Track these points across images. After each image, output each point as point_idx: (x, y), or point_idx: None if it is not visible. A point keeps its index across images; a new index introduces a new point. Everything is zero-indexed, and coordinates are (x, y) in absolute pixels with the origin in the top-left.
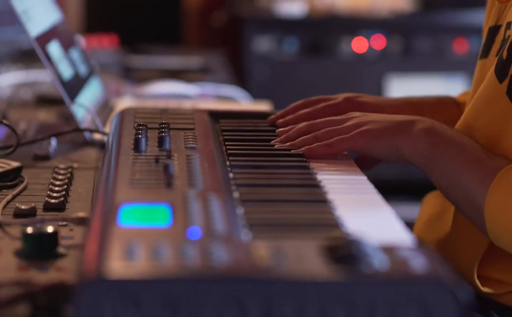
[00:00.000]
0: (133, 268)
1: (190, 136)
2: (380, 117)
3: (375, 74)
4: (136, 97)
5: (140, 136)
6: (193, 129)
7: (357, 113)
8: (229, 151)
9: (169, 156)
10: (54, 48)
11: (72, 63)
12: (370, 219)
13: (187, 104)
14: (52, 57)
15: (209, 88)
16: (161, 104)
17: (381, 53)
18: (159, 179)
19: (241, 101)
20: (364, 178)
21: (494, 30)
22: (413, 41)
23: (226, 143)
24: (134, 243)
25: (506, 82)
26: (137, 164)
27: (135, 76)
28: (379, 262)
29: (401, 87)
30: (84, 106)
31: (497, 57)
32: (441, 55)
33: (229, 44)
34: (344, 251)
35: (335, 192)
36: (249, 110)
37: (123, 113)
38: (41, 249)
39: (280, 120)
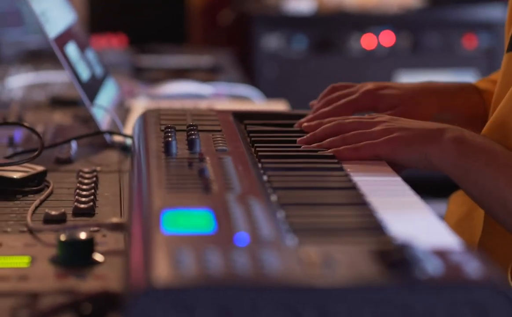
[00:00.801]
0: (184, 277)
1: (219, 138)
2: (410, 124)
3: (384, 70)
4: (151, 98)
5: (170, 139)
6: (220, 130)
7: (386, 117)
8: (259, 153)
9: (201, 159)
10: (72, 50)
11: (89, 64)
12: (413, 222)
13: (203, 104)
14: (70, 58)
15: (223, 87)
16: (176, 104)
17: (390, 50)
18: (195, 183)
19: (255, 100)
20: (399, 179)
21: None
22: (422, 37)
23: (256, 145)
24: (182, 250)
25: None
26: (170, 167)
27: (147, 77)
28: (433, 266)
29: None
30: (103, 107)
31: None
32: (450, 51)
33: (236, 43)
34: (398, 256)
35: (373, 194)
36: (273, 110)
37: (146, 115)
38: (77, 256)
39: (305, 124)
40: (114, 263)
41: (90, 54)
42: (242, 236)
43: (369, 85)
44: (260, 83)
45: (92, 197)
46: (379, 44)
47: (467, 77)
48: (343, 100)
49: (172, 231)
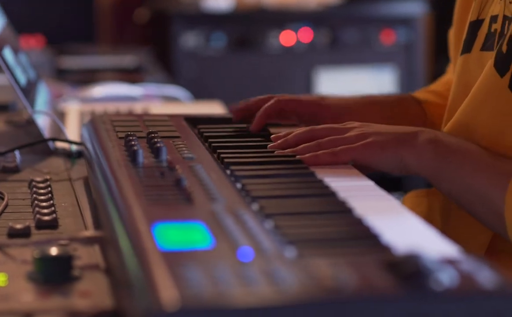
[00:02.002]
0: (199, 297)
1: (181, 145)
2: (382, 129)
3: (303, 67)
4: (82, 101)
5: (135, 147)
6: (179, 137)
7: (356, 123)
8: (225, 160)
9: (172, 168)
10: (8, 54)
11: (24, 68)
12: (403, 229)
13: (138, 107)
14: (8, 63)
15: (152, 88)
16: (111, 107)
17: (308, 46)
18: (174, 194)
19: (184, 101)
20: (372, 183)
21: (476, 25)
22: (341, 33)
23: (218, 151)
24: (189, 268)
25: (508, 76)
26: (142, 177)
27: (70, 78)
28: (447, 277)
29: (330, 80)
30: (45, 112)
31: (496, 51)
32: (368, 47)
33: (153, 42)
34: (412, 268)
35: (353, 200)
36: (225, 115)
37: (95, 121)
38: (58, 272)
39: (252, 127)
40: (94, 278)
41: (23, 58)
42: (246, 251)
43: (314, 97)
44: (180, 82)
45: (52, 208)
46: (297, 41)
47: (386, 72)
48: (287, 95)
49: (169, 247)
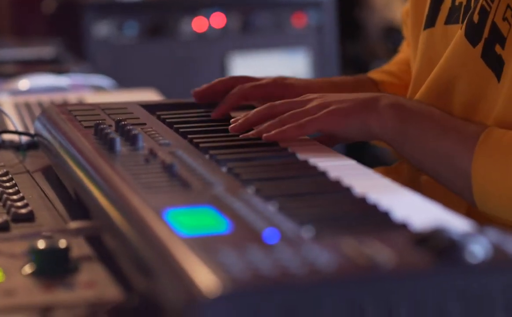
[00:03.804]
0: (241, 280)
1: (152, 132)
2: (342, 97)
3: (216, 52)
4: (12, 94)
5: (111, 135)
6: (145, 124)
7: (314, 95)
8: (200, 145)
9: (154, 154)
10: None
11: None
12: (406, 205)
13: (72, 97)
14: None
15: (79, 78)
16: (45, 98)
17: (221, 31)
18: (168, 180)
19: (111, 89)
20: (355, 162)
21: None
22: (253, 17)
23: (190, 136)
24: (222, 253)
25: (480, 46)
26: (126, 166)
27: None
28: (480, 249)
29: (243, 64)
30: None
31: (466, 21)
32: (280, 31)
33: (64, 32)
34: (444, 242)
35: (345, 179)
36: (180, 101)
37: (50, 112)
38: (57, 265)
39: (214, 113)
40: (92, 269)
41: None
42: (271, 233)
43: (276, 77)
44: (95, 72)
45: (25, 200)
46: (210, 26)
47: (298, 55)
48: (250, 83)
49: (188, 233)
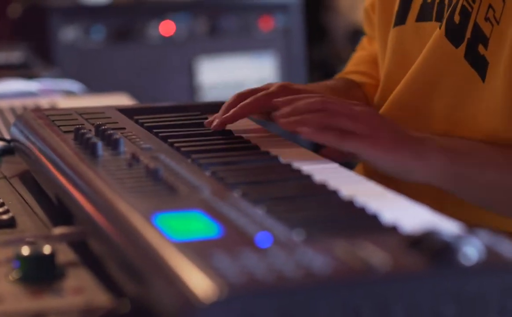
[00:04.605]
0: (236, 285)
1: (132, 137)
2: (394, 127)
3: (183, 56)
4: None
5: (93, 140)
6: (124, 128)
7: (366, 108)
8: (182, 149)
9: (136, 159)
10: None
11: None
12: (393, 207)
13: (44, 102)
14: None
15: (49, 83)
16: (17, 103)
17: (188, 35)
18: (154, 185)
19: (81, 94)
20: (337, 165)
21: None
22: (220, 21)
23: (170, 140)
24: (215, 257)
25: (463, 46)
26: (109, 170)
27: None
28: (474, 251)
29: (211, 68)
30: None
31: (446, 21)
32: (247, 34)
33: (31, 37)
34: (438, 245)
35: (330, 182)
36: (156, 105)
37: (27, 117)
38: (45, 271)
39: (225, 116)
40: (78, 275)
41: None
42: (264, 237)
43: (283, 83)
44: (63, 76)
45: (5, 206)
46: (177, 30)
47: (265, 59)
48: (262, 92)
49: (179, 237)
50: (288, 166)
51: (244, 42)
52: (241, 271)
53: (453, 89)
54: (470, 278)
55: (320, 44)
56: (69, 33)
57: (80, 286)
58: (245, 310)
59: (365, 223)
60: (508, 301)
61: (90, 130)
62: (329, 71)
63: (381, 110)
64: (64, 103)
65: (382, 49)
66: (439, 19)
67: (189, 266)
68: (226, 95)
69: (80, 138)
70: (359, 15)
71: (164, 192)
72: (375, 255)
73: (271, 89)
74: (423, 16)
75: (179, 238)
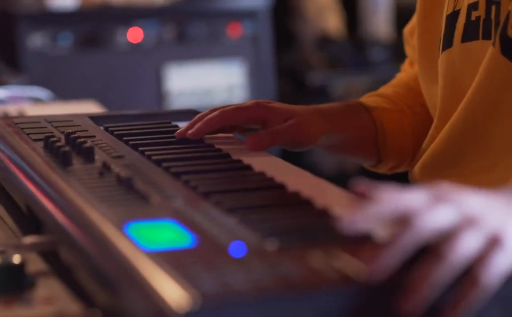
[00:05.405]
0: (211, 295)
1: (103, 145)
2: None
3: (152, 63)
4: None
5: (65, 149)
6: (94, 136)
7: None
8: (153, 157)
9: (108, 168)
10: None
11: None
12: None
13: (11, 110)
14: None
15: (16, 90)
16: None
17: (156, 42)
18: (126, 194)
19: (49, 101)
20: (309, 173)
21: (453, 17)
22: (188, 28)
23: (141, 149)
24: (191, 267)
25: None
26: (81, 180)
27: None
28: None
29: (179, 75)
30: None
31: (499, 37)
32: (216, 41)
33: None
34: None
35: (303, 190)
36: (126, 112)
37: None
38: (13, 281)
39: (191, 132)
40: (49, 284)
41: None
42: (238, 246)
43: (259, 100)
44: (31, 83)
45: None
46: (145, 37)
47: (234, 66)
48: (232, 105)
49: (152, 247)
50: (261, 175)
51: (212, 49)
52: (214, 280)
53: None
54: None
55: (288, 51)
56: (36, 40)
57: (51, 296)
58: None
59: (338, 231)
60: None
61: (60, 138)
62: (297, 78)
63: (439, 140)
64: (32, 110)
65: (425, 72)
66: (486, 37)
67: (162, 276)
68: (194, 102)
69: (50, 147)
70: (327, 21)
71: (136, 201)
72: (350, 264)
73: (245, 104)
74: (468, 36)
75: (151, 247)
